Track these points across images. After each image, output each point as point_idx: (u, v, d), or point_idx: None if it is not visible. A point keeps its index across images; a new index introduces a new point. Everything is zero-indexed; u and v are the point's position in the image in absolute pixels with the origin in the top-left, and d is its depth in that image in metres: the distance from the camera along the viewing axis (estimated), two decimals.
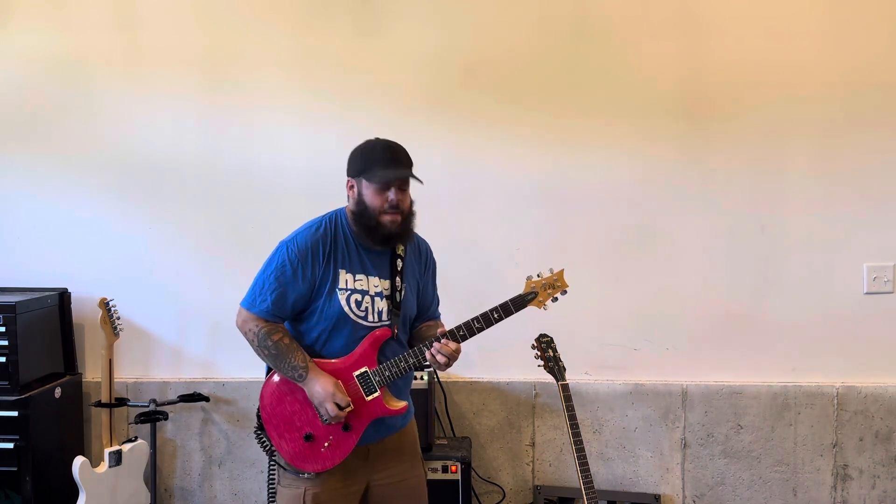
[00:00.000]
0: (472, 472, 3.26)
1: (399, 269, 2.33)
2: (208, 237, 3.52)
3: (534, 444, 3.46)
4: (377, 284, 2.30)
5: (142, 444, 3.32)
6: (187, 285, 3.52)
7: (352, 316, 2.26)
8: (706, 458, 3.40)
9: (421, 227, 2.43)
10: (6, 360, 3.16)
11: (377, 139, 2.32)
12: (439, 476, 3.09)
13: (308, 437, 2.27)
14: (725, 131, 3.35)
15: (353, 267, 2.28)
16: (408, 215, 2.29)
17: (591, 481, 2.65)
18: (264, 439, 2.32)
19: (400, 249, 2.35)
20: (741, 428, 3.38)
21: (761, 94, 3.32)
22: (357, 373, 2.27)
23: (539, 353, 2.74)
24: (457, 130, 3.42)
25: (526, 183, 3.41)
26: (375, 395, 2.26)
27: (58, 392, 3.34)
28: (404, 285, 2.34)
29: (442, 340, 2.23)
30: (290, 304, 2.27)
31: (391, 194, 2.23)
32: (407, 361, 2.27)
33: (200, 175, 3.49)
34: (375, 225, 2.24)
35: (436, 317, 2.52)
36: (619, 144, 3.37)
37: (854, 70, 3.29)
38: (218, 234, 3.51)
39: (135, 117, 3.51)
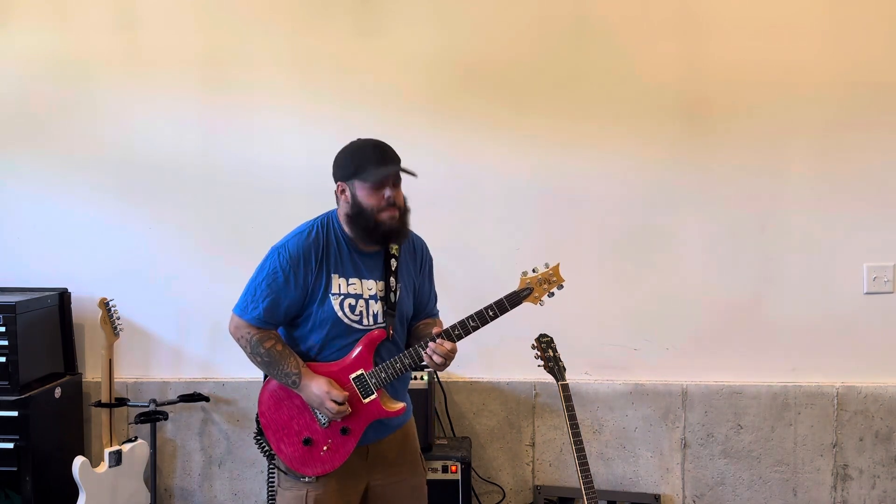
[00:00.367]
0: (472, 472, 3.26)
1: (393, 268, 2.31)
2: (208, 237, 3.52)
3: (534, 444, 3.46)
4: (371, 287, 2.28)
5: (142, 444, 3.32)
6: (187, 285, 3.52)
7: (345, 320, 2.25)
8: (706, 458, 3.40)
9: (420, 227, 2.43)
10: (6, 360, 3.16)
11: (362, 140, 2.30)
12: (439, 476, 3.10)
13: (307, 442, 2.27)
14: (725, 131, 3.35)
15: (346, 271, 2.27)
16: (404, 211, 2.28)
17: (591, 481, 2.65)
18: (264, 444, 2.32)
19: (394, 249, 2.33)
20: (741, 428, 3.38)
21: (761, 94, 3.32)
22: (353, 375, 2.26)
23: (539, 353, 2.75)
24: (456, 130, 3.41)
25: (525, 183, 3.41)
26: (373, 397, 2.26)
27: (58, 392, 3.34)
28: (399, 285, 2.32)
29: (437, 340, 2.22)
30: (283, 311, 2.25)
31: (387, 191, 2.22)
32: (403, 362, 2.25)
33: (200, 175, 3.49)
34: (374, 224, 2.22)
35: (434, 314, 2.51)
36: (619, 144, 3.37)
37: (853, 70, 3.28)
38: (218, 234, 3.51)
39: (135, 117, 3.51)
